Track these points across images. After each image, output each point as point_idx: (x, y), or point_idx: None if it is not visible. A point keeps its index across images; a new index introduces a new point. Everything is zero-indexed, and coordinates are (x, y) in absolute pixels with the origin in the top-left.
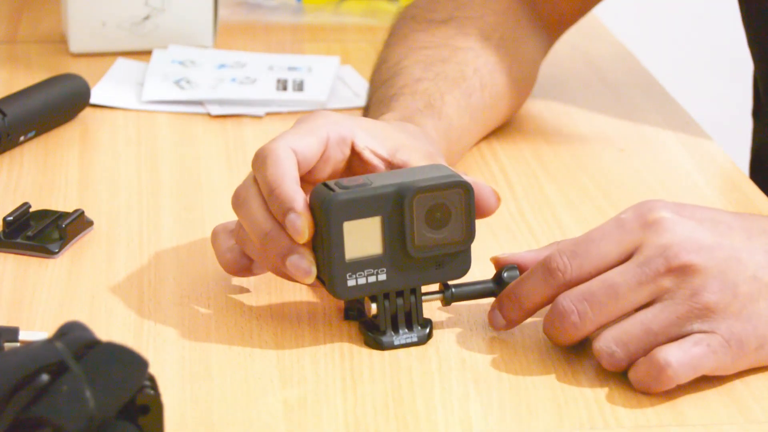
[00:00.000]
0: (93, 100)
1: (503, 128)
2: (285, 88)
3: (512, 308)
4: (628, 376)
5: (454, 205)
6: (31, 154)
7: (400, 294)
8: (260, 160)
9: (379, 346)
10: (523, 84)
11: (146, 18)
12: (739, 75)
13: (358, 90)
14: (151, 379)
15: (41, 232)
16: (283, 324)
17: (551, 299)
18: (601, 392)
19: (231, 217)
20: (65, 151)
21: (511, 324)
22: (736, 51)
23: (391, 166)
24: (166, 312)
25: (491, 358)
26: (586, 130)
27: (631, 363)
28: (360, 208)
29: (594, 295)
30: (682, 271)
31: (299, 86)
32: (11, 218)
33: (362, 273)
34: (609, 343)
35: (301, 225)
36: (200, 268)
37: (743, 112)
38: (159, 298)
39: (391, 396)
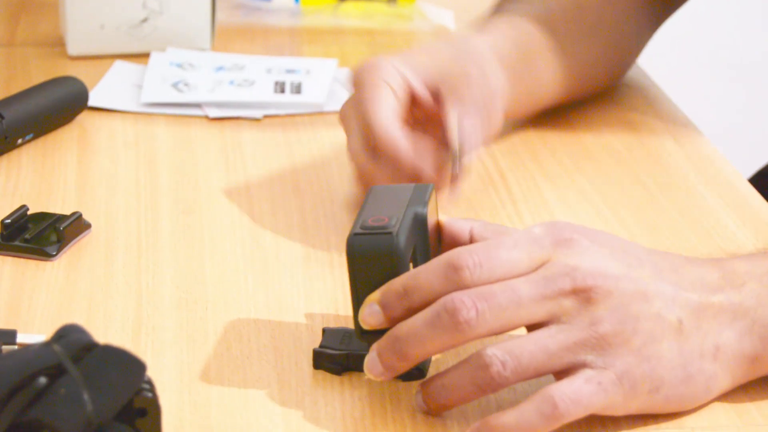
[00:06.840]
0: (91, 102)
1: (502, 130)
2: (283, 91)
3: (398, 304)
4: (504, 418)
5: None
6: (29, 156)
7: None
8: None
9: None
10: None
11: (144, 21)
12: (737, 77)
13: None
14: (149, 382)
15: (39, 234)
16: (280, 327)
17: None
18: None
19: (228, 219)
20: (63, 153)
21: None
22: (733, 53)
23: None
24: (164, 315)
25: None
26: (584, 132)
27: (518, 381)
28: (409, 242)
29: (496, 296)
30: (585, 295)
31: (297, 89)
32: (9, 221)
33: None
34: (503, 352)
35: None
36: (198, 271)
37: (740, 114)
38: (157, 301)
39: (388, 398)
